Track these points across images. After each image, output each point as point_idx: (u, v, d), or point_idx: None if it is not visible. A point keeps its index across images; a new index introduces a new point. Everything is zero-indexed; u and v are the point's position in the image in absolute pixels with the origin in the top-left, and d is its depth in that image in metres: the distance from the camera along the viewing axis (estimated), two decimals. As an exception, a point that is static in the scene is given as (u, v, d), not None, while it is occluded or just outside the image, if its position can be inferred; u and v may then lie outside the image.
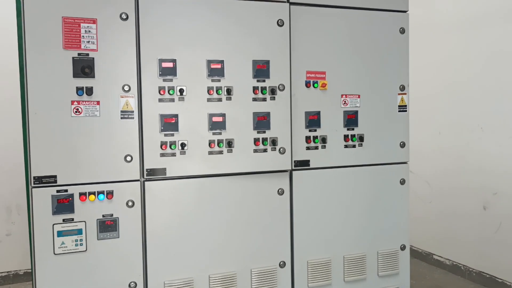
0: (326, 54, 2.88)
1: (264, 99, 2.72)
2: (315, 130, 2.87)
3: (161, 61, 2.52)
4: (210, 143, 2.62)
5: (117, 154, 2.47)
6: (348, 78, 2.94)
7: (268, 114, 2.73)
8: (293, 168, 2.83)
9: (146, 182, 2.54)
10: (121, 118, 2.48)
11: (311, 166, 2.87)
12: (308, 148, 2.85)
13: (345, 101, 2.93)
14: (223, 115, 2.64)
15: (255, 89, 2.69)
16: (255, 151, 2.72)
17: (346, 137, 2.94)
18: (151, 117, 2.52)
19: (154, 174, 2.54)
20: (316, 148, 2.87)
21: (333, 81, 2.89)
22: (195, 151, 2.60)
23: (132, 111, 2.49)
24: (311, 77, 2.84)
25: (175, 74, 2.55)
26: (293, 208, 2.85)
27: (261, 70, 2.70)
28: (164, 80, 2.53)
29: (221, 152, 2.66)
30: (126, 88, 2.47)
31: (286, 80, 2.76)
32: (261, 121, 2.72)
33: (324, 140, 2.87)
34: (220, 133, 2.65)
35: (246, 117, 2.69)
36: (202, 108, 2.61)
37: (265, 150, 2.74)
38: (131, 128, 2.49)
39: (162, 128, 2.54)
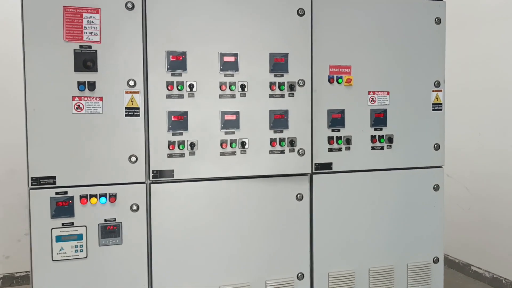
0: (352, 47, 2.62)
1: (282, 96, 2.49)
2: (339, 130, 2.61)
3: (169, 54, 2.33)
4: (222, 143, 2.41)
5: (121, 154, 2.30)
6: (376, 73, 2.67)
7: (286, 112, 2.50)
8: (314, 171, 2.58)
9: (152, 185, 2.36)
10: (126, 115, 2.30)
11: (333, 169, 2.62)
12: (330, 150, 2.60)
13: (372, 99, 2.67)
14: (237, 113, 2.43)
15: (272, 84, 2.47)
16: (272, 152, 2.49)
17: (373, 138, 2.67)
18: (158, 114, 2.33)
19: (161, 176, 2.36)
20: (340, 149, 2.62)
21: (359, 76, 2.63)
22: (205, 151, 2.40)
23: (138, 108, 2.31)
24: (334, 71, 2.59)
25: (184, 68, 2.35)
26: (313, 215, 2.61)
27: (279, 63, 2.47)
28: (172, 75, 2.34)
29: (233, 153, 2.44)
30: (132, 83, 2.29)
31: (307, 75, 2.52)
32: (279, 120, 2.49)
33: (348, 141, 2.62)
34: (233, 133, 2.43)
35: (261, 115, 2.47)
36: (214, 105, 2.40)
37: (282, 152, 2.51)
38: (137, 126, 2.31)
39: (170, 126, 2.35)
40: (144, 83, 2.32)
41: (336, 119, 2.61)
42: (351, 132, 2.64)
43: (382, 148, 2.70)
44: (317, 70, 2.56)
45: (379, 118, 2.68)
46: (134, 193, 2.33)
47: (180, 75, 2.35)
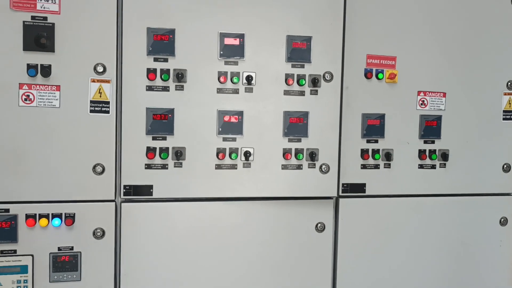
0: (398, 32, 1.98)
1: (301, 93, 1.87)
2: (376, 141, 1.97)
3: (152, 32, 1.75)
4: (219, 153, 1.82)
5: (82, 163, 1.74)
6: (429, 68, 2.02)
7: (305, 114, 1.88)
8: (341, 194, 1.96)
9: (123, 204, 1.79)
10: (91, 111, 1.74)
11: (367, 192, 1.98)
12: (364, 167, 1.97)
13: (423, 101, 2.02)
14: (240, 114, 1.83)
15: (288, 77, 1.85)
16: (285, 167, 1.88)
17: (421, 153, 2.02)
18: (134, 111, 1.76)
19: (136, 193, 1.78)
20: (377, 167, 1.98)
21: (406, 71, 1.99)
22: (196, 163, 1.81)
23: (107, 102, 1.75)
24: (373, 63, 1.96)
25: (172, 52, 1.77)
26: (337, 251, 1.98)
27: (299, 50, 1.86)
28: (155, 60, 1.76)
29: (234, 167, 1.84)
30: (100, 68, 1.73)
31: (336, 66, 1.90)
32: (295, 125, 1.87)
33: (388, 156, 1.97)
34: (234, 139, 1.83)
35: (273, 118, 1.86)
36: (210, 102, 1.81)
37: (299, 167, 1.89)
38: (105, 126, 1.75)
39: (149, 128, 1.77)
40: (117, 69, 1.75)
41: (374, 127, 1.97)
42: (393, 144, 1.99)
43: (433, 167, 2.04)
44: (350, 61, 1.93)
45: (431, 128, 2.03)
46: (99, 214, 1.77)
47: (165, 60, 1.77)
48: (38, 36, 1.67)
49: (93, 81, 1.73)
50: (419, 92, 2.01)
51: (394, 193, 2.02)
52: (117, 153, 1.78)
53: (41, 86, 1.69)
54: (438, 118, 2.03)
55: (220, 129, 1.82)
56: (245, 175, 1.86)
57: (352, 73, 1.94)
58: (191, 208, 1.84)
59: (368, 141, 1.98)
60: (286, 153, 1.87)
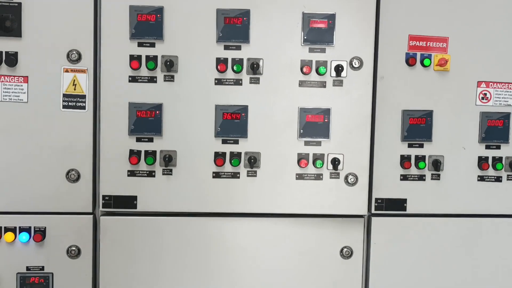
0: (451, 5, 1.54)
1: (322, 84, 1.49)
2: (421, 146, 1.55)
3: (135, 10, 1.45)
4: (217, 158, 1.48)
5: (54, 167, 1.47)
6: (492, 52, 1.56)
7: (327, 111, 1.50)
8: (373, 212, 1.55)
9: (102, 218, 1.50)
10: (64, 107, 1.46)
11: (408, 210, 1.56)
12: (404, 178, 1.55)
13: (485, 94, 1.56)
14: (243, 110, 1.48)
15: (305, 64, 1.48)
16: (300, 177, 1.50)
17: (482, 162, 1.56)
18: (115, 107, 1.47)
19: (117, 204, 1.49)
20: (421, 178, 1.55)
21: (461, 56, 1.55)
22: (189, 170, 1.49)
23: (83, 96, 1.46)
24: (418, 46, 1.53)
25: (159, 35, 1.46)
26: (368, 283, 1.57)
27: (318, 30, 1.48)
28: (140, 45, 1.46)
29: (236, 175, 1.50)
30: (74, 56, 1.45)
31: (367, 50, 1.50)
32: (314, 124, 1.49)
33: (437, 164, 1.54)
34: (236, 141, 1.49)
35: (285, 116, 1.49)
36: (206, 95, 1.48)
37: (318, 177, 1.51)
38: (80, 124, 1.47)
39: (133, 127, 1.47)
40: (94, 56, 1.47)
41: (418, 127, 1.54)
42: (443, 149, 1.56)
43: (497, 179, 1.58)
44: (387, 43, 1.52)
45: (495, 129, 1.57)
46: (73, 229, 1.49)
47: (152, 45, 1.46)
48: (2, 18, 1.42)
49: (66, 70, 1.45)
50: (479, 83, 1.56)
51: (444, 212, 1.58)
52: (95, 157, 1.49)
53: (5, 78, 1.44)
54: (506, 117, 1.57)
55: (219, 129, 1.49)
56: (249, 186, 1.51)
57: (389, 58, 1.53)
58: (183, 224, 1.52)
59: (410, 145, 1.55)
60: (301, 159, 1.50)
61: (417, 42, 1.54)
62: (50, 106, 1.46)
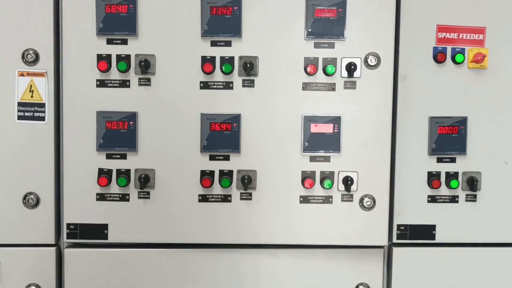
0: (489, -11, 1.26)
1: (330, 87, 1.23)
2: (453, 160, 1.27)
3: (103, 0, 1.19)
4: (204, 177, 1.22)
5: (8, 190, 1.24)
6: (541, 44, 1.27)
7: (337, 119, 1.22)
8: (395, 241, 1.28)
9: (67, 250, 1.25)
10: (20, 117, 1.23)
11: (438, 239, 1.29)
12: (433, 200, 1.27)
13: (531, 97, 1.27)
14: (235, 119, 1.22)
15: (309, 63, 1.21)
16: (305, 199, 1.24)
17: (529, 180, 1.27)
18: (80, 117, 1.23)
19: (84, 234, 1.24)
20: (454, 200, 1.27)
21: (501, 50, 1.27)
22: (170, 192, 1.23)
23: (42, 105, 1.22)
24: (448, 39, 1.25)
25: (133, 30, 1.20)
26: (390, 328, 1.30)
27: (325, 21, 1.21)
28: (110, 42, 1.21)
29: (227, 199, 1.24)
30: (31, 56, 1.20)
31: (386, 45, 1.23)
32: (321, 135, 1.23)
33: (473, 183, 1.26)
34: (226, 157, 1.23)
35: (286, 125, 1.23)
36: (190, 102, 1.23)
37: (327, 200, 1.24)
38: (39, 138, 1.23)
39: (101, 141, 1.22)
40: (55, 57, 1.22)
41: (448, 138, 1.26)
42: (480, 164, 1.28)
43: (549, 201, 1.29)
44: (409, 36, 1.25)
45: (545, 139, 1.28)
46: (33, 263, 1.25)
47: (123, 42, 1.21)
48: None
49: (22, 74, 1.21)
50: (524, 83, 1.27)
51: (483, 241, 1.30)
52: (59, 178, 1.24)
53: (-51, 83, 1.20)
54: (558, 124, 1.28)
55: (206, 142, 1.22)
56: (243, 211, 1.24)
57: (412, 54, 1.25)
58: (163, 258, 1.26)
59: (439, 160, 1.27)
60: (306, 178, 1.23)
61: (447, 33, 1.26)
62: (2, 117, 1.21)
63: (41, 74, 1.21)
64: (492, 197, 1.28)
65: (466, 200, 1.28)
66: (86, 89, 1.21)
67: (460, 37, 1.26)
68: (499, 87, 1.26)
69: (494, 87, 1.27)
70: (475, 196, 1.28)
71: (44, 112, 1.22)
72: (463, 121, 1.27)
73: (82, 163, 1.22)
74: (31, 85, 1.21)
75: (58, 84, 1.23)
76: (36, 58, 1.21)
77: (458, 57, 1.25)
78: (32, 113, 1.22)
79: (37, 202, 1.23)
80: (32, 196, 1.22)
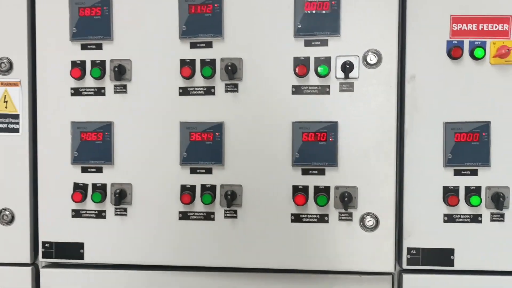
0: (514, -31, 1.07)
1: (324, 90, 1.08)
2: (474, 173, 1.08)
3: (76, 3, 1.13)
4: (184, 193, 1.10)
5: (-17, 206, 1.16)
6: None
7: (332, 127, 1.07)
8: (405, 267, 1.10)
9: (43, 270, 1.17)
10: (-6, 129, 1.16)
11: (457, 265, 1.10)
12: (450, 219, 1.09)
13: None
14: (218, 128, 1.10)
15: (299, 63, 1.07)
16: (297, 218, 1.09)
17: None
18: (54, 128, 1.15)
19: (60, 253, 1.17)
20: (476, 219, 1.09)
21: (532, 41, 1.06)
22: (149, 209, 1.13)
23: (16, 116, 1.16)
24: (464, 31, 1.07)
25: (107, 33, 1.12)
26: None
27: (317, 16, 1.07)
28: (84, 47, 1.13)
29: (209, 217, 1.11)
30: (4, 65, 1.15)
31: (389, 40, 1.07)
32: (314, 145, 1.08)
33: (499, 199, 1.06)
34: (209, 170, 1.11)
35: (274, 134, 1.09)
36: (168, 110, 1.12)
37: (323, 219, 1.09)
38: (13, 151, 1.17)
39: (76, 153, 1.13)
40: (30, 65, 1.16)
41: (468, 146, 1.08)
42: (508, 178, 1.08)
43: None
44: (418, 29, 1.08)
45: None
46: (8, 283, 1.17)
47: (98, 47, 1.13)
48: None
49: (-5, 84, 1.15)
50: (561, 80, 1.06)
51: (511, 269, 1.09)
52: (36, 193, 1.17)
53: None
54: None
55: (186, 154, 1.11)
56: (228, 231, 1.11)
57: (422, 50, 1.08)
58: (142, 280, 1.15)
59: (457, 173, 1.08)
60: (298, 193, 1.08)
61: (464, 25, 1.07)
62: (-23, 129, 1.16)
63: (15, 84, 1.15)
64: (522, 216, 1.08)
65: (491, 220, 1.09)
66: (60, 98, 1.14)
67: (480, 29, 1.07)
68: (528, 85, 1.06)
69: (522, 85, 1.07)
70: (502, 215, 1.08)
71: (18, 123, 1.15)
72: (485, 127, 1.08)
73: (57, 177, 1.15)
74: (5, 96, 1.15)
75: (34, 94, 1.16)
76: (10, 67, 1.15)
77: (478, 52, 1.06)
78: (6, 125, 1.16)
79: (11, 219, 1.16)
80: (7, 212, 1.16)
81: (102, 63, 1.12)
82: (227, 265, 1.12)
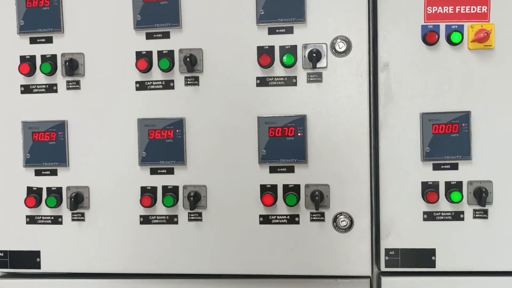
0: None
1: (291, 81, 1.00)
2: (454, 167, 1.00)
3: (24, -6, 1.04)
4: (145, 195, 1.02)
5: None
6: None
7: (300, 121, 1.00)
8: (384, 270, 1.02)
9: (0, 281, 1.10)
10: None
11: (438, 266, 1.02)
12: (430, 217, 1.01)
13: (556, 82, 0.98)
14: (178, 125, 1.02)
15: (263, 53, 0.99)
16: (266, 219, 1.02)
17: (557, 189, 0.98)
18: (4, 129, 1.06)
19: (15, 263, 1.09)
20: (458, 217, 1.01)
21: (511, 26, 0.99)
22: (107, 213, 1.05)
23: (-37, 116, 1.07)
24: (440, 14, 1.00)
25: (57, 26, 1.04)
26: None
27: (280, 1, 0.98)
28: (33, 41, 1.05)
29: (172, 220, 1.04)
30: (-51, 62, 1.06)
31: (358, 25, 0.99)
32: (281, 141, 1.00)
33: (481, 195, 0.98)
34: (170, 170, 1.03)
35: (239, 130, 1.02)
36: (125, 106, 1.04)
37: (293, 220, 1.01)
38: (-38, 154, 1.08)
39: (28, 155, 1.05)
40: (-25, 61, 1.07)
41: (447, 138, 1.00)
42: (491, 171, 1.00)
43: None
44: (389, 12, 1.00)
45: None
46: (-38, 296, 1.10)
47: (48, 40, 1.05)
48: None
49: None
50: (545, 65, 0.99)
51: (496, 269, 1.02)
52: (-12, 198, 1.09)
53: None
54: None
55: (145, 153, 1.03)
56: (192, 235, 1.04)
57: (394, 35, 1.00)
58: (104, 290, 1.07)
59: (436, 167, 1.01)
60: (266, 193, 1.00)
61: (439, 7, 1.00)
62: None
63: (-40, 82, 1.07)
64: (508, 213, 1.00)
65: (474, 217, 1.01)
66: (10, 96, 1.06)
67: (457, 11, 1.00)
68: (509, 71, 0.99)
69: (504, 71, 0.99)
70: (485, 211, 1.01)
71: (-35, 124, 1.07)
72: (465, 117, 1.00)
73: (9, 181, 1.07)
74: (-49, 95, 1.07)
75: (-17, 92, 1.08)
76: (-45, 64, 1.07)
77: (455, 36, 0.99)
78: (-47, 126, 1.08)
79: (-37, 227, 1.08)
80: (-43, 220, 1.08)
81: (53, 57, 1.05)
82: (193, 272, 1.04)
